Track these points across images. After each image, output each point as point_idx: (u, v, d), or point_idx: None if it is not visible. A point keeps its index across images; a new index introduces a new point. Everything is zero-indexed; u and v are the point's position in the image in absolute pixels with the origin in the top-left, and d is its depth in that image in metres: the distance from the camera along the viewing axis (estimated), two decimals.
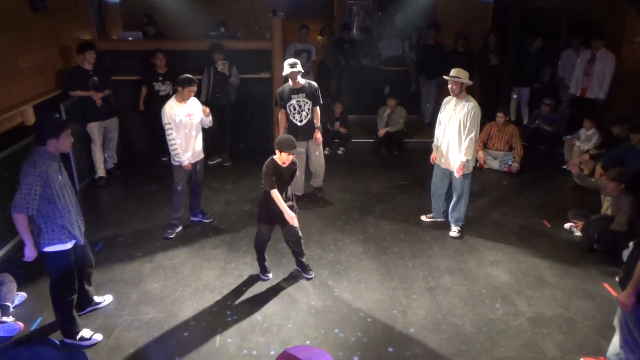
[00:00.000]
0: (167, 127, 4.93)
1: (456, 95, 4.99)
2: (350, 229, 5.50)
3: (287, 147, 4.15)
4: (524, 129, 8.09)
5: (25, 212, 3.31)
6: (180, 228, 5.40)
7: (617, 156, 5.85)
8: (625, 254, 4.61)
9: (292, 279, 4.59)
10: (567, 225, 5.52)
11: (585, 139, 7.08)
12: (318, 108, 5.82)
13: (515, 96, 8.85)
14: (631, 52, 7.97)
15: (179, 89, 4.99)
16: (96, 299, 4.11)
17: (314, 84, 5.76)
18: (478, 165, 5.42)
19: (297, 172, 5.89)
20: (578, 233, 5.31)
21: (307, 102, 5.67)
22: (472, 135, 4.93)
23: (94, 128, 6.48)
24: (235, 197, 6.28)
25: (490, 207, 6.09)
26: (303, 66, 5.72)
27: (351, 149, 8.07)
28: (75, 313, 3.72)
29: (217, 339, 3.81)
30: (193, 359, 3.61)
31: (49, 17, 6.34)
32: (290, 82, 5.63)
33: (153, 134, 7.37)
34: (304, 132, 5.77)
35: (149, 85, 7.02)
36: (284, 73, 5.57)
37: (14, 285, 4.13)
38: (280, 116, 5.78)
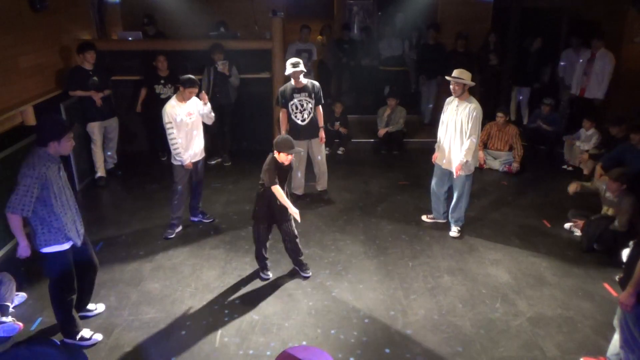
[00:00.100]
0: (167, 126, 4.93)
1: (458, 96, 4.99)
2: (350, 229, 5.50)
3: (285, 148, 4.17)
4: (524, 129, 8.09)
5: (20, 213, 3.28)
6: (180, 228, 5.40)
7: (617, 156, 5.85)
8: (625, 254, 4.60)
9: (292, 278, 4.59)
10: (567, 225, 5.53)
11: (585, 139, 7.08)
12: (321, 107, 5.83)
13: (521, 97, 8.84)
14: (631, 52, 7.97)
15: (181, 88, 4.99)
16: (89, 306, 4.04)
17: (317, 83, 5.76)
18: (478, 165, 5.43)
19: (299, 173, 5.92)
20: (578, 233, 5.31)
21: (309, 102, 5.67)
22: (474, 136, 4.93)
23: (94, 128, 6.47)
24: (236, 197, 6.28)
25: (490, 207, 6.09)
26: (304, 66, 5.72)
27: (351, 149, 8.07)
28: (75, 313, 3.71)
29: (217, 338, 3.81)
30: (193, 359, 3.62)
31: (49, 17, 6.34)
32: (292, 82, 5.63)
33: (153, 134, 7.38)
34: (306, 132, 5.77)
35: (150, 87, 7.01)
36: (287, 72, 5.56)
37: (14, 285, 4.13)
38: (281, 116, 5.78)
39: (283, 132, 5.75)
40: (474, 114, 4.90)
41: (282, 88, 5.74)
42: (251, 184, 6.53)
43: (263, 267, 4.60)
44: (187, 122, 5.03)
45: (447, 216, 5.49)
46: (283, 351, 2.50)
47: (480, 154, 7.04)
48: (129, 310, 4.14)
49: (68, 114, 6.17)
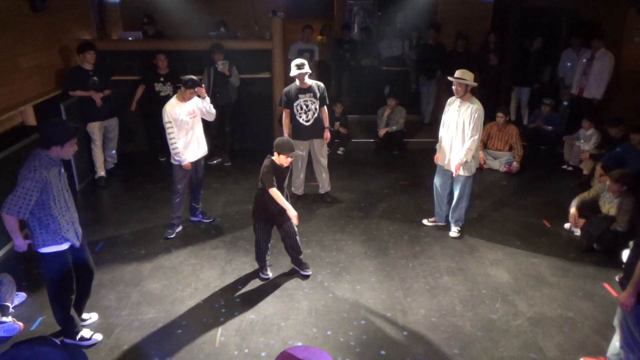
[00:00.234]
0: (167, 125, 4.93)
1: (461, 97, 4.98)
2: (350, 229, 5.50)
3: (285, 150, 4.17)
4: (524, 129, 8.10)
5: (16, 215, 3.25)
6: (180, 228, 5.40)
7: (616, 156, 5.85)
8: (625, 254, 4.60)
9: (292, 278, 4.59)
10: (567, 225, 5.52)
11: (585, 139, 7.08)
12: (325, 108, 5.84)
13: (521, 97, 8.84)
14: (631, 52, 7.97)
15: (182, 88, 4.98)
16: (83, 315, 3.99)
17: (321, 84, 5.77)
18: (478, 165, 5.43)
19: (301, 174, 5.91)
20: (578, 233, 5.31)
21: (314, 102, 5.68)
22: (475, 137, 4.92)
23: (94, 128, 6.47)
24: (236, 197, 6.28)
25: (490, 207, 6.09)
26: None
27: (351, 149, 8.07)
28: (74, 313, 3.71)
29: (217, 338, 3.81)
30: (193, 359, 3.62)
31: (49, 17, 6.34)
32: (297, 82, 5.63)
33: (153, 133, 7.38)
34: (310, 132, 5.78)
35: (149, 85, 7.01)
36: (292, 74, 5.57)
37: (14, 286, 4.13)
38: (284, 116, 5.78)
39: (285, 132, 5.76)
40: (476, 114, 4.89)
41: (286, 89, 5.74)
42: (251, 184, 6.53)
43: (263, 267, 4.60)
44: (187, 121, 5.03)
45: (448, 218, 5.49)
46: (283, 351, 2.50)
47: (480, 154, 7.05)
48: (129, 310, 4.14)
49: (68, 114, 6.17)
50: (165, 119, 4.91)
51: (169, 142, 4.98)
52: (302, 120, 5.71)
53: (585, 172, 6.75)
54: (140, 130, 7.74)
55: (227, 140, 7.42)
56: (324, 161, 6.00)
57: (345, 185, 6.64)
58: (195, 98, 5.09)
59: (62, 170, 3.49)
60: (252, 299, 4.28)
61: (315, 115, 5.73)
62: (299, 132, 5.76)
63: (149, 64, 7.10)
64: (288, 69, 7.96)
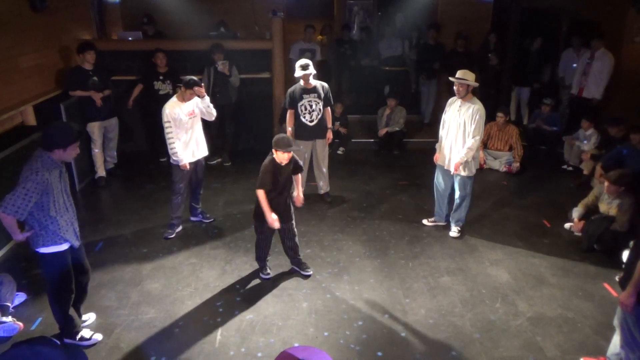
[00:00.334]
0: (166, 125, 4.92)
1: (462, 97, 4.98)
2: (350, 229, 5.50)
3: (280, 146, 4.13)
4: (524, 129, 8.09)
5: (13, 215, 3.22)
6: (180, 228, 5.40)
7: (616, 156, 5.85)
8: (625, 254, 4.60)
9: (292, 278, 4.59)
10: (567, 225, 5.52)
11: (584, 139, 7.08)
12: (329, 109, 5.85)
13: (521, 97, 8.83)
14: (631, 52, 7.97)
15: (182, 88, 4.98)
16: (82, 317, 3.98)
17: (326, 85, 5.78)
18: (478, 165, 5.43)
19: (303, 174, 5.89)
20: (578, 233, 5.31)
21: (318, 103, 5.69)
22: (477, 137, 4.92)
23: (94, 128, 6.47)
24: (236, 197, 6.28)
25: (490, 207, 6.09)
26: None
27: (351, 149, 8.07)
28: (73, 313, 3.70)
29: (217, 338, 3.81)
30: (193, 359, 3.61)
31: (49, 17, 6.35)
32: (302, 82, 5.64)
33: (153, 133, 7.37)
34: (313, 132, 5.79)
35: (148, 84, 7.00)
36: (296, 75, 5.57)
37: (14, 285, 4.12)
38: (289, 116, 5.79)
39: (289, 131, 5.78)
40: (478, 114, 4.88)
41: (291, 89, 5.74)
42: (251, 184, 6.51)
43: (263, 267, 4.60)
44: (187, 121, 5.03)
45: (448, 218, 5.49)
46: (283, 351, 2.49)
47: (481, 154, 7.05)
48: (129, 310, 4.14)
49: (68, 114, 6.17)
50: (165, 118, 4.91)
51: (167, 141, 4.97)
52: (306, 120, 5.72)
53: (585, 172, 6.75)
54: (140, 130, 7.74)
55: (228, 140, 7.42)
56: (325, 162, 6.01)
57: (345, 185, 6.64)
58: (196, 98, 5.08)
59: (63, 171, 3.49)
60: (252, 299, 4.28)
61: (320, 115, 5.74)
62: (303, 132, 5.76)
63: (148, 62, 7.10)
64: (288, 69, 8.02)
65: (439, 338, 3.83)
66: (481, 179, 6.76)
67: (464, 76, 4.88)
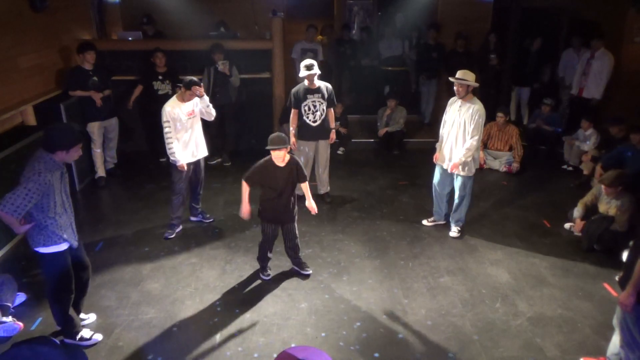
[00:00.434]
0: (165, 125, 4.92)
1: (462, 97, 4.97)
2: (350, 229, 5.50)
3: (273, 143, 4.13)
4: (524, 129, 8.09)
5: (12, 214, 3.20)
6: (180, 228, 5.40)
7: (617, 156, 5.85)
8: (625, 254, 4.60)
9: (292, 278, 4.59)
10: (567, 225, 5.52)
11: (584, 139, 7.08)
12: (332, 110, 5.86)
13: (521, 97, 8.82)
14: (631, 52, 7.97)
15: (182, 89, 4.97)
16: (81, 315, 3.98)
17: (329, 86, 5.79)
18: (478, 166, 5.44)
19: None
20: (578, 233, 5.31)
21: (322, 103, 5.70)
22: (476, 137, 4.92)
23: (94, 128, 6.47)
24: (236, 197, 6.25)
25: (490, 207, 6.09)
26: None
27: (351, 149, 8.07)
28: (73, 313, 3.70)
29: (217, 339, 3.81)
30: (193, 359, 3.61)
31: (49, 17, 6.35)
32: (306, 82, 5.64)
33: (153, 134, 7.37)
34: (316, 133, 5.79)
35: (147, 84, 7.00)
36: (301, 75, 5.58)
37: (15, 286, 4.12)
38: (292, 116, 5.79)
39: (292, 131, 5.79)
40: (477, 115, 4.88)
41: (295, 89, 5.74)
42: None
43: (264, 267, 4.60)
44: (186, 122, 5.02)
45: (448, 218, 5.49)
46: (283, 351, 2.50)
47: (481, 154, 7.05)
48: (129, 310, 4.14)
49: (68, 114, 6.17)
50: (164, 118, 4.91)
51: (166, 141, 4.96)
52: (310, 120, 5.72)
53: (585, 172, 6.75)
54: (140, 130, 7.73)
55: (228, 140, 7.42)
56: (327, 162, 6.01)
57: (346, 185, 6.65)
58: (195, 98, 5.07)
59: (64, 172, 3.49)
60: (252, 299, 4.28)
61: (323, 116, 5.74)
62: (306, 132, 5.76)
63: (147, 62, 7.10)
64: (288, 69, 8.02)
65: (439, 338, 3.83)
66: (481, 179, 6.76)
67: (464, 76, 4.88)
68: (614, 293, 4.37)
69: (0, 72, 5.38)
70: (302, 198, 6.09)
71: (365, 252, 5.03)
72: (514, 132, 7.23)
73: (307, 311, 4.13)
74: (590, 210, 5.33)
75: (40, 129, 5.60)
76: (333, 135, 5.99)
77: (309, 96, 5.65)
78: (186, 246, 5.13)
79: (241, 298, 4.31)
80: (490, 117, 7.37)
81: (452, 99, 5.17)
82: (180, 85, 5.04)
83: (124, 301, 4.25)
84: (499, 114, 7.19)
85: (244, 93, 7.49)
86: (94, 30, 8.00)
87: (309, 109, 5.68)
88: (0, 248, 4.90)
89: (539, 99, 8.11)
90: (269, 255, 4.57)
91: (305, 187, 4.48)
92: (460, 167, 5.07)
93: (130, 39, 7.86)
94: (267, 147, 4.16)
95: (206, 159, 5.57)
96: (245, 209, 4.32)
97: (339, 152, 7.91)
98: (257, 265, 4.65)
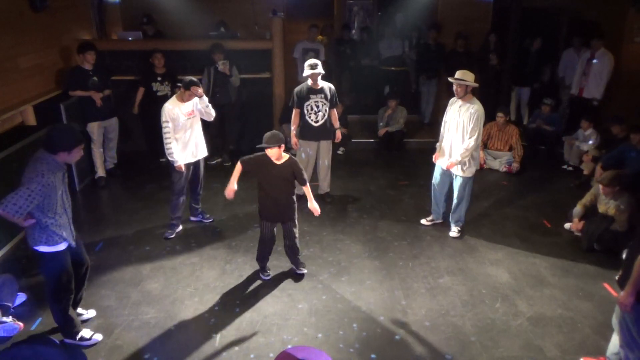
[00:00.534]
0: (164, 125, 4.91)
1: (461, 98, 4.98)
2: (350, 229, 5.50)
3: (265, 141, 4.17)
4: (524, 129, 8.09)
5: (13, 214, 3.20)
6: (180, 228, 5.40)
7: (617, 156, 5.85)
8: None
9: (292, 279, 4.59)
10: (567, 225, 5.52)
11: (584, 139, 7.08)
12: (335, 110, 5.87)
13: (521, 97, 8.82)
14: (631, 52, 7.97)
15: (182, 89, 4.97)
16: (79, 310, 4.00)
17: (332, 86, 5.79)
18: (478, 166, 5.44)
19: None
20: (578, 233, 5.31)
21: (325, 104, 5.69)
22: (474, 137, 4.92)
23: (94, 128, 6.46)
24: (236, 197, 6.22)
25: (490, 207, 6.09)
26: None
27: (351, 149, 8.07)
28: (73, 313, 3.71)
29: (217, 339, 3.81)
30: (193, 359, 3.61)
31: (49, 17, 6.35)
32: (309, 82, 5.64)
33: (152, 134, 7.37)
34: (318, 133, 5.78)
35: (147, 86, 7.00)
36: (305, 74, 5.57)
37: (15, 285, 4.12)
38: (294, 116, 5.78)
39: (293, 130, 5.77)
40: (476, 115, 4.89)
41: (298, 88, 5.74)
42: (251, 184, 6.48)
43: (263, 267, 4.60)
44: (185, 122, 5.02)
45: (446, 216, 5.49)
46: (282, 351, 2.50)
47: (481, 154, 7.04)
48: (129, 310, 4.14)
49: (68, 114, 6.17)
50: (163, 118, 4.90)
51: (164, 141, 4.95)
52: (312, 120, 5.71)
53: (585, 172, 6.75)
54: (140, 130, 7.73)
55: (228, 140, 7.41)
56: (328, 163, 6.01)
57: (346, 185, 6.65)
58: (195, 98, 5.07)
59: (65, 172, 3.49)
60: (252, 299, 4.28)
61: (325, 117, 5.74)
62: (307, 132, 5.76)
63: (146, 63, 7.10)
64: (289, 69, 8.01)
65: (439, 338, 3.83)
66: (481, 179, 6.76)
67: (463, 77, 4.88)
68: (614, 293, 4.37)
69: (0, 72, 5.38)
70: (303, 198, 6.10)
71: (365, 252, 5.03)
72: (514, 132, 7.23)
73: (307, 311, 4.13)
74: (590, 211, 5.33)
75: (40, 129, 5.61)
76: (339, 134, 6.03)
77: (312, 96, 5.65)
78: (186, 246, 5.14)
79: (241, 298, 4.31)
80: (490, 117, 7.37)
81: (452, 100, 5.17)
82: (180, 85, 5.04)
83: (124, 301, 4.25)
84: (499, 114, 7.19)
85: (244, 93, 7.50)
86: (94, 30, 8.00)
87: (312, 109, 5.68)
88: (0, 248, 4.90)
89: (539, 99, 8.11)
90: (268, 255, 4.57)
91: (306, 189, 4.46)
92: (460, 168, 5.07)
93: (130, 39, 7.86)
94: (259, 146, 4.20)
95: (206, 159, 5.57)
96: (230, 187, 4.37)
97: (339, 152, 7.91)
98: (257, 266, 4.65)
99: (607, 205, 5.10)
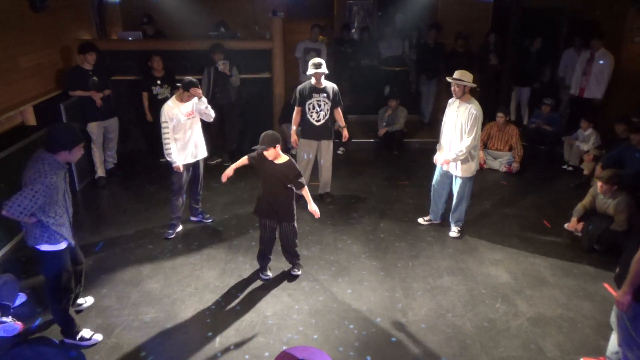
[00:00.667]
0: (163, 125, 4.91)
1: (459, 98, 4.98)
2: (350, 229, 5.50)
3: (260, 142, 4.20)
4: (524, 129, 8.09)
5: (17, 215, 3.19)
6: (180, 228, 5.40)
7: (617, 156, 5.85)
8: None
9: (291, 278, 4.59)
10: (567, 225, 5.52)
11: (583, 139, 7.08)
12: (340, 110, 5.87)
13: (521, 97, 8.81)
14: (631, 52, 7.97)
15: (181, 90, 4.97)
16: (79, 300, 4.04)
17: (335, 87, 5.78)
18: (478, 166, 5.45)
19: (305, 174, 5.84)
20: (578, 233, 5.31)
21: (327, 103, 5.69)
22: (471, 137, 4.91)
23: (94, 128, 6.46)
24: (235, 197, 6.28)
25: (490, 207, 6.09)
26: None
27: (351, 149, 8.07)
28: (72, 312, 3.71)
29: (217, 339, 3.81)
30: (193, 359, 3.61)
31: (49, 17, 6.35)
32: (312, 81, 5.63)
33: (152, 137, 7.36)
34: (319, 132, 5.78)
35: (148, 90, 6.96)
36: (308, 73, 5.56)
37: (16, 285, 4.12)
38: (295, 114, 5.78)
39: (293, 129, 5.77)
40: (474, 115, 4.89)
41: (300, 86, 5.73)
42: (251, 184, 6.54)
43: (263, 267, 4.60)
44: (184, 122, 5.02)
45: (446, 217, 5.48)
46: (282, 351, 2.50)
47: (481, 154, 7.04)
48: (128, 310, 4.14)
49: (68, 114, 6.17)
50: (162, 118, 4.90)
51: (163, 141, 4.95)
52: (313, 119, 5.71)
53: (585, 172, 6.75)
54: (140, 131, 7.73)
55: (228, 140, 7.41)
56: (329, 163, 6.01)
57: (346, 185, 6.65)
58: (194, 99, 5.08)
59: (66, 172, 3.50)
60: (252, 299, 4.28)
61: (326, 117, 5.73)
62: (308, 131, 5.76)
63: (145, 67, 7.08)
64: (289, 69, 8.01)
65: (439, 338, 3.83)
66: (481, 179, 6.76)
67: (461, 77, 4.89)
68: (614, 293, 4.37)
69: (0, 72, 5.38)
70: (301, 197, 6.10)
71: (365, 252, 5.03)
72: (514, 132, 7.23)
73: (307, 311, 4.13)
74: (590, 211, 5.33)
75: (41, 129, 5.61)
76: (346, 133, 6.08)
77: (314, 95, 5.64)
78: (186, 246, 5.14)
79: (241, 298, 4.31)
80: (490, 117, 7.39)
81: (451, 100, 5.17)
82: (179, 85, 5.04)
83: (124, 301, 4.25)
84: (499, 114, 7.19)
85: (244, 93, 7.50)
86: (94, 30, 8.00)
87: (313, 108, 5.67)
88: (0, 248, 4.90)
89: (539, 99, 8.11)
90: (269, 255, 4.57)
91: (304, 192, 4.45)
92: (460, 167, 5.06)
93: (130, 39, 7.86)
94: (254, 147, 4.25)
95: (206, 159, 5.57)
96: (226, 172, 4.51)
97: (339, 152, 7.91)
98: (257, 265, 4.65)
99: (605, 205, 5.11)
